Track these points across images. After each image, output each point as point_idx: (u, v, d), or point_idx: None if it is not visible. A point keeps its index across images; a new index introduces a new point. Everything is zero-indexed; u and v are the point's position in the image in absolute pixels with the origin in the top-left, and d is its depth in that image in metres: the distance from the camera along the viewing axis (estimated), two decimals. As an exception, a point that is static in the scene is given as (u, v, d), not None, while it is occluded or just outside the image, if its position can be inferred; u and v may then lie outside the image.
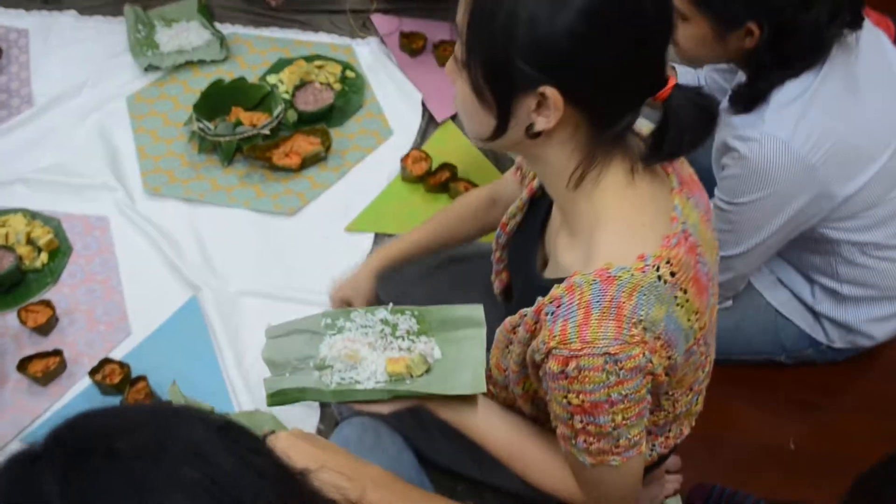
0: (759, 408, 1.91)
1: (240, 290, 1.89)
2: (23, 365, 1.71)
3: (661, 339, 1.06)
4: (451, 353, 1.30)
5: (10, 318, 1.82)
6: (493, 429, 1.26)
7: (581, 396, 1.05)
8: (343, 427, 1.47)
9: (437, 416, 1.26)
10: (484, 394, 1.25)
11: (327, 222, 2.04)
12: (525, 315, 1.14)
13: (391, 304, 1.37)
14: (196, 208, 2.05)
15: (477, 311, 1.33)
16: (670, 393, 1.20)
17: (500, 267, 1.44)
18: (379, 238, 2.01)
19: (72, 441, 0.62)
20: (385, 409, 1.26)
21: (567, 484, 1.23)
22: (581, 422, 1.08)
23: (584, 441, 1.10)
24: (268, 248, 1.98)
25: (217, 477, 0.60)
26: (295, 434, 1.15)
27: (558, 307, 1.06)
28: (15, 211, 1.99)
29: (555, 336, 1.04)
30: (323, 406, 1.72)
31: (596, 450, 1.11)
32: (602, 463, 1.12)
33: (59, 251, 1.95)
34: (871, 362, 1.96)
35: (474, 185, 2.08)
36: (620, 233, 1.08)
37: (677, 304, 1.07)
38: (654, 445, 1.30)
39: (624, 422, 1.08)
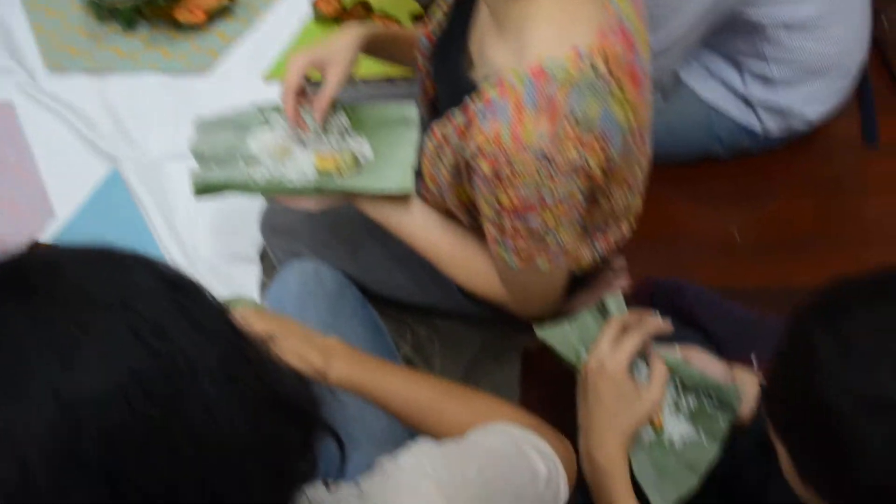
0: (700, 203, 1.91)
1: (161, 156, 1.82)
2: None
3: (597, 137, 1.02)
4: (382, 152, 1.28)
5: (-72, 216, 1.75)
6: (427, 230, 1.25)
7: (512, 197, 1.03)
8: (282, 272, 1.44)
9: (368, 215, 1.25)
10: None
11: (243, 74, 1.96)
12: (454, 118, 1.10)
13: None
14: (104, 80, 1.95)
15: (410, 110, 1.31)
16: (606, 192, 1.18)
17: (425, 80, 1.38)
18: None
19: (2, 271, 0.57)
20: (313, 204, 1.24)
21: (496, 286, 1.23)
22: (511, 223, 1.06)
23: (514, 243, 1.08)
24: (185, 109, 1.89)
25: (146, 330, 0.54)
26: (255, 308, 1.11)
27: (489, 105, 1.02)
28: (-88, 106, 1.89)
29: (486, 135, 1.00)
30: (264, 258, 1.69)
31: (525, 252, 1.09)
32: (529, 266, 1.11)
33: (-34, 142, 1.86)
34: (807, 145, 1.96)
35: (393, 19, 2.00)
36: (553, 26, 1.02)
37: (613, 100, 1.03)
38: (595, 247, 1.29)
39: (555, 224, 1.05)
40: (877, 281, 0.68)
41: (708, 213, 1.90)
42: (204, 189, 1.26)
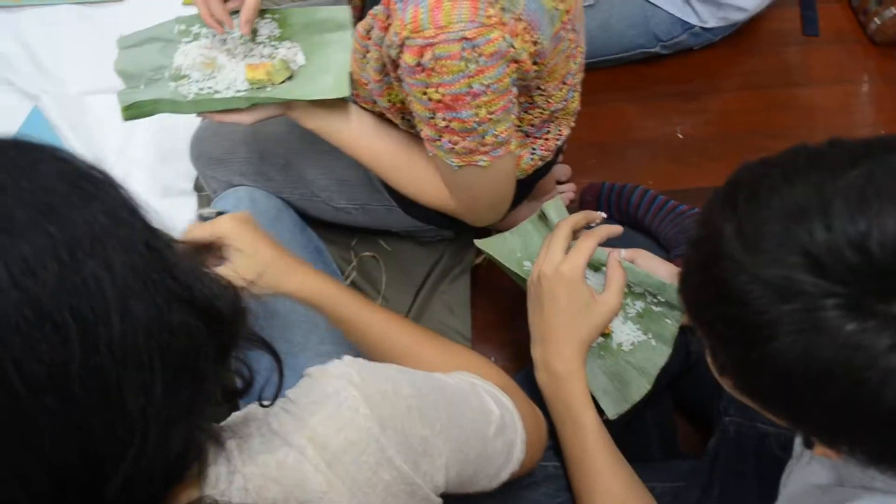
0: (642, 105, 1.88)
1: (82, 90, 1.74)
2: None
3: (523, 21, 0.98)
4: (315, 58, 1.22)
5: None
6: (366, 138, 1.20)
7: (441, 90, 0.98)
8: (217, 202, 1.40)
9: (304, 125, 1.20)
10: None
11: (160, 4, 1.86)
12: (376, 14, 1.05)
13: None
14: (14, 15, 1.85)
15: (342, 12, 1.25)
16: (542, 88, 1.14)
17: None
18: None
19: None
20: (247, 118, 1.19)
21: (442, 193, 1.19)
22: (444, 119, 1.02)
23: (450, 141, 1.05)
24: (103, 40, 1.79)
25: (40, 214, 0.52)
26: (239, 217, 1.07)
27: None
28: None
29: (406, 25, 0.96)
30: (198, 190, 1.63)
31: (462, 149, 1.05)
32: (469, 164, 1.07)
33: None
34: (746, 38, 1.94)
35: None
36: None
37: None
38: (534, 149, 1.25)
39: (489, 116, 1.01)
40: (786, 162, 0.66)
41: (651, 114, 1.87)
42: (132, 110, 1.19)
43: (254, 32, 1.25)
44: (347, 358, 0.75)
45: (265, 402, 0.72)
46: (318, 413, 0.69)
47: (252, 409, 0.72)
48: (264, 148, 1.42)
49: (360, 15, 1.32)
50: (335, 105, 1.18)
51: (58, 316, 0.50)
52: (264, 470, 0.65)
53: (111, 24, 1.82)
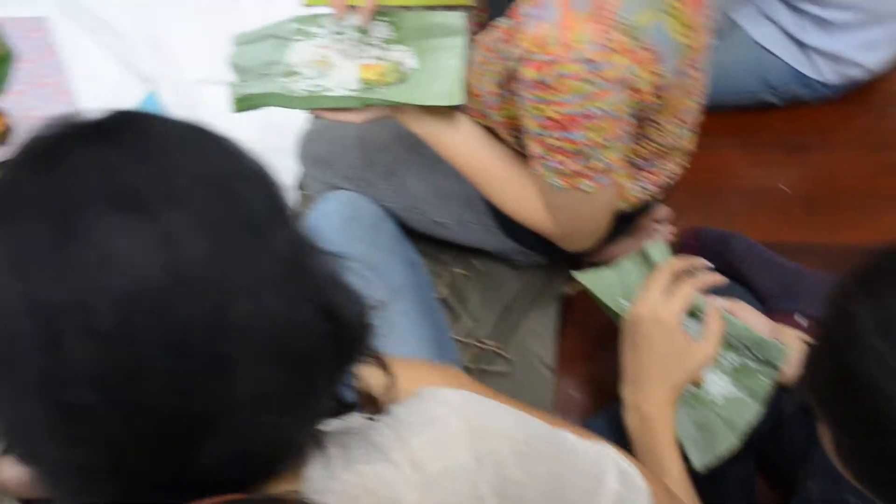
0: (750, 153, 1.85)
1: (199, 79, 1.79)
2: (-18, 176, 1.63)
3: (649, 50, 0.97)
4: (428, 62, 1.22)
5: (-39, 131, 1.73)
6: (472, 148, 1.20)
7: (556, 108, 0.98)
8: (321, 203, 1.41)
9: (412, 130, 1.20)
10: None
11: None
12: (501, 25, 1.05)
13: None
14: (142, -1, 1.91)
15: (457, 17, 1.25)
16: (657, 121, 1.13)
17: (478, 2, 1.31)
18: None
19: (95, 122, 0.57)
20: (356, 117, 1.19)
21: (540, 212, 1.18)
22: (555, 138, 1.01)
23: (557, 161, 1.04)
24: (223, 31, 1.84)
25: (205, 212, 0.53)
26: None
27: (537, 6, 0.97)
28: (-51, 19, 1.86)
29: (532, 39, 0.96)
30: (301, 188, 1.66)
31: (568, 170, 1.05)
32: (573, 187, 1.06)
33: (2, 57, 1.82)
34: (866, 98, 1.89)
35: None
36: None
37: (668, 14, 0.98)
38: (642, 182, 1.24)
39: (600, 141, 1.01)
40: None
41: (758, 164, 1.83)
42: (243, 103, 1.21)
43: (367, 33, 1.26)
44: (463, 391, 0.75)
45: (370, 416, 0.72)
46: (421, 435, 0.69)
47: (353, 418, 0.73)
48: (371, 155, 1.43)
49: (481, 26, 1.33)
50: (444, 112, 1.19)
51: (197, 283, 0.51)
52: (362, 480, 0.65)
53: (232, 17, 1.87)
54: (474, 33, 1.32)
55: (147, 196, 0.52)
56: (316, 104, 1.21)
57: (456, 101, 1.15)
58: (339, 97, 1.19)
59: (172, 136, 0.58)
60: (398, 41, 1.26)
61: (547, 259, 1.52)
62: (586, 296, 1.21)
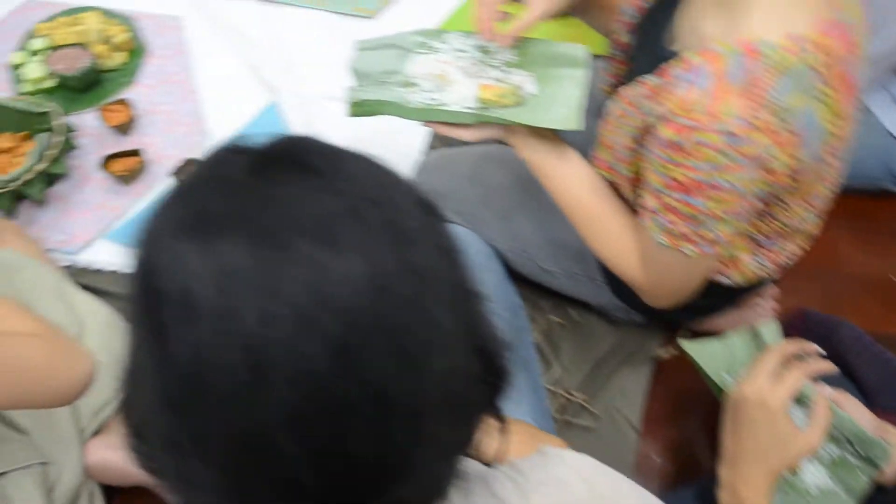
0: (862, 239, 1.80)
1: (321, 95, 1.81)
2: (106, 164, 1.68)
3: (793, 134, 0.95)
4: (547, 90, 1.22)
5: (89, 117, 1.78)
6: (578, 184, 1.19)
7: (685, 172, 0.97)
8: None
9: (522, 155, 1.19)
10: None
11: (413, 25, 1.91)
12: (647, 82, 1.05)
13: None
14: (272, 9, 1.96)
15: (581, 50, 1.25)
16: (784, 201, 1.11)
17: (617, 51, 1.31)
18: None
19: (279, 147, 0.58)
20: (468, 134, 1.19)
21: (632, 261, 1.17)
22: (674, 198, 1.00)
23: (669, 219, 1.03)
24: (349, 51, 1.87)
25: (404, 237, 0.54)
26: None
27: (690, 70, 0.96)
28: (89, 9, 1.92)
29: (679, 102, 0.95)
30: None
31: (677, 232, 1.03)
32: (676, 248, 1.05)
33: (135, 51, 1.88)
34: None
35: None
36: (774, 8, 0.95)
37: (820, 101, 0.96)
38: (761, 260, 1.22)
39: (719, 213, 0.99)
40: None
41: (869, 251, 1.78)
42: (358, 108, 1.23)
43: (489, 54, 1.27)
44: (587, 456, 0.75)
45: (490, 464, 0.72)
46: (544, 494, 0.68)
47: (469, 464, 0.72)
48: (487, 193, 1.44)
49: (616, 77, 1.33)
50: (555, 141, 1.19)
51: (400, 331, 0.52)
52: None
53: (363, 36, 1.90)
54: (609, 84, 1.32)
55: (346, 232, 0.52)
56: (430, 116, 1.21)
57: (572, 127, 1.15)
58: (453, 112, 1.19)
59: (361, 169, 0.58)
60: (519, 66, 1.26)
61: (646, 319, 1.50)
62: (680, 361, 1.19)
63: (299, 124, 1.75)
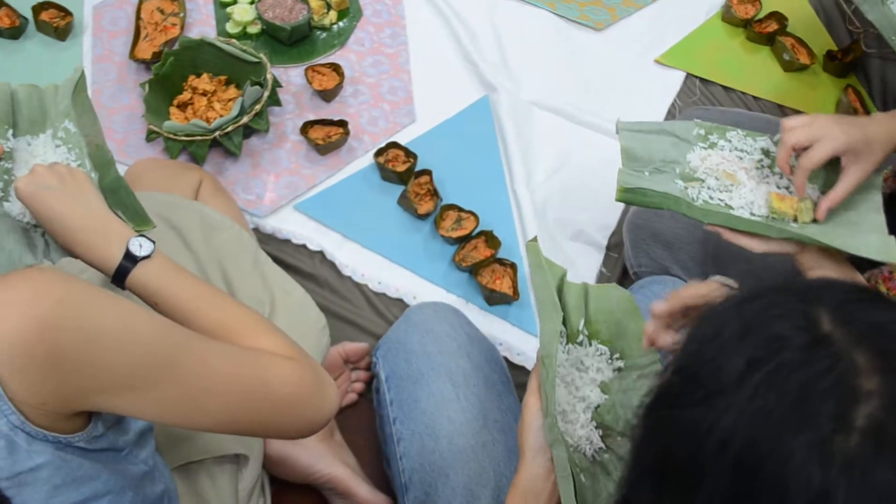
0: None
1: (533, 100, 1.71)
2: (305, 129, 1.59)
3: None
4: (840, 209, 1.12)
5: (294, 73, 1.70)
6: None
7: None
8: (647, 283, 1.31)
9: (806, 271, 1.10)
10: None
11: (636, 47, 1.81)
12: None
13: (778, 135, 1.18)
14: (493, 3, 1.85)
15: (877, 177, 1.15)
16: None
17: None
18: (689, 79, 1.78)
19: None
20: (757, 244, 1.11)
21: None
22: None
23: None
24: (568, 60, 1.78)
25: None
26: None
27: None
28: (310, -42, 1.83)
29: None
30: (611, 248, 1.56)
31: None
32: None
33: (349, 12, 1.79)
34: None
35: (803, 45, 1.81)
36: None
37: None
38: None
39: None
40: None
41: None
42: (630, 193, 1.14)
43: (770, 156, 1.19)
44: None
45: None
46: None
47: None
48: (721, 258, 1.33)
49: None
50: (845, 266, 1.09)
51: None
52: None
53: (579, 46, 1.80)
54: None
55: None
56: (717, 219, 1.12)
57: (890, 259, 1.06)
58: (746, 219, 1.11)
59: None
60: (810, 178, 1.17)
61: None
62: None
63: (512, 126, 1.64)
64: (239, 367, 0.78)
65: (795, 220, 1.12)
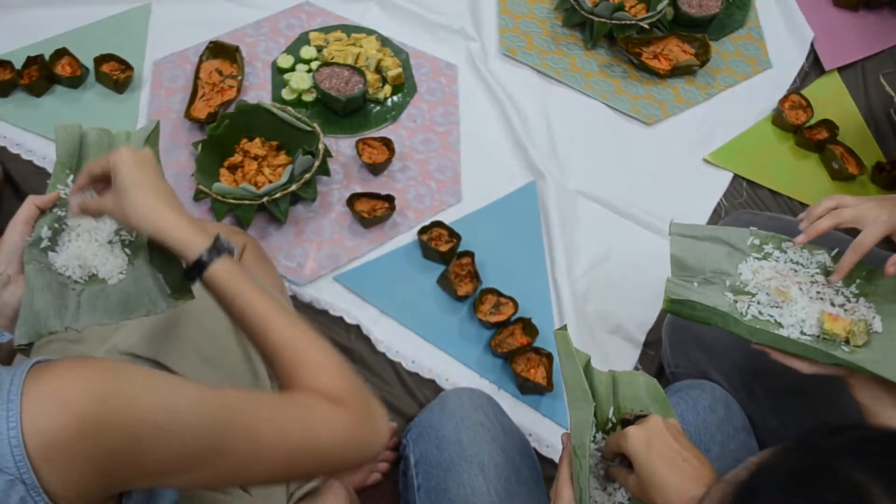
0: None
1: (579, 189, 1.72)
2: (351, 201, 1.60)
3: None
4: (889, 339, 1.09)
5: (344, 144, 1.71)
6: None
7: None
8: (687, 388, 1.29)
9: (857, 398, 1.07)
10: None
11: (685, 144, 1.82)
12: None
13: (836, 249, 1.16)
14: (549, 85, 1.87)
15: None
16: None
17: None
18: (736, 180, 1.78)
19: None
20: (806, 367, 1.08)
21: None
22: None
23: None
24: (617, 152, 1.78)
25: None
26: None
27: None
28: (369, 32, 1.86)
29: None
30: (648, 345, 1.54)
31: None
32: None
33: (404, 88, 1.81)
34: None
35: (852, 154, 1.81)
36: None
37: None
38: None
39: None
40: None
41: None
42: (676, 304, 1.12)
43: (826, 271, 1.17)
44: None
45: None
46: None
47: None
48: (761, 368, 1.30)
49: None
50: None
51: None
52: None
53: (628, 139, 1.81)
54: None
55: None
56: (764, 339, 1.09)
57: None
58: (794, 341, 1.07)
59: None
60: (863, 294, 1.15)
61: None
62: None
63: (557, 212, 1.64)
64: (287, 432, 0.76)
65: (847, 341, 1.09)
